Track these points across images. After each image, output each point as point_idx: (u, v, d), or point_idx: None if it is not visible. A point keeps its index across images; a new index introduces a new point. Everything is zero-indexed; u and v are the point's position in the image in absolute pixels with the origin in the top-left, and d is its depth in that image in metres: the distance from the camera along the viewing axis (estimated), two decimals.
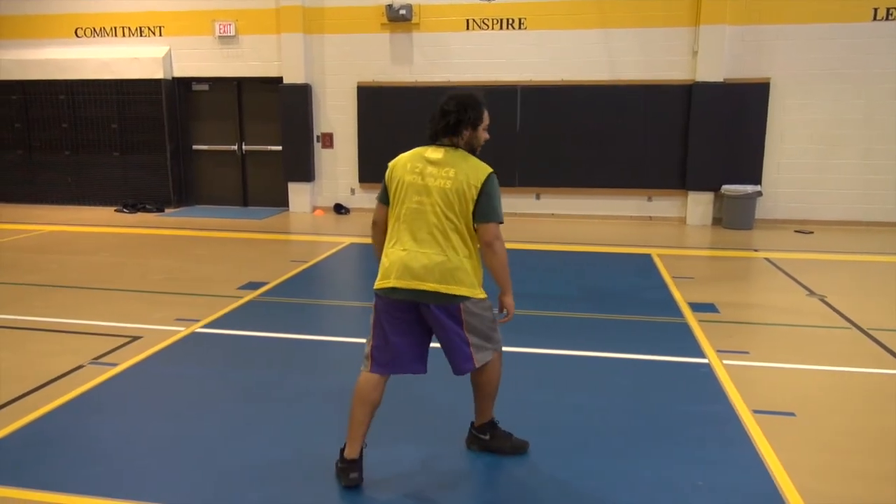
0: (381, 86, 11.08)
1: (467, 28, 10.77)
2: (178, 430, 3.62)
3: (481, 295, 3.05)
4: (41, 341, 4.98)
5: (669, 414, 3.83)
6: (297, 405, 3.95)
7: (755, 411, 3.80)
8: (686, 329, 5.33)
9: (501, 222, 3.01)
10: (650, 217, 10.78)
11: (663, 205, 10.75)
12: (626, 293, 6.52)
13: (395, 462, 3.30)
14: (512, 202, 11.03)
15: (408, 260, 2.95)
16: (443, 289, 2.93)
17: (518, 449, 3.36)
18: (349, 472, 3.05)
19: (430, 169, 2.99)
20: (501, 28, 10.70)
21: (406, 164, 3.05)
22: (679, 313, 5.75)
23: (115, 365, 4.45)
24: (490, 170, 3.01)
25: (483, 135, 3.11)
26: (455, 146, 3.05)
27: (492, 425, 3.35)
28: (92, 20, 11.83)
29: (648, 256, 8.10)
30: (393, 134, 11.00)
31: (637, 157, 10.60)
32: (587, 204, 10.90)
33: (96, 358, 4.58)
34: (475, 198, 2.95)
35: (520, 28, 10.64)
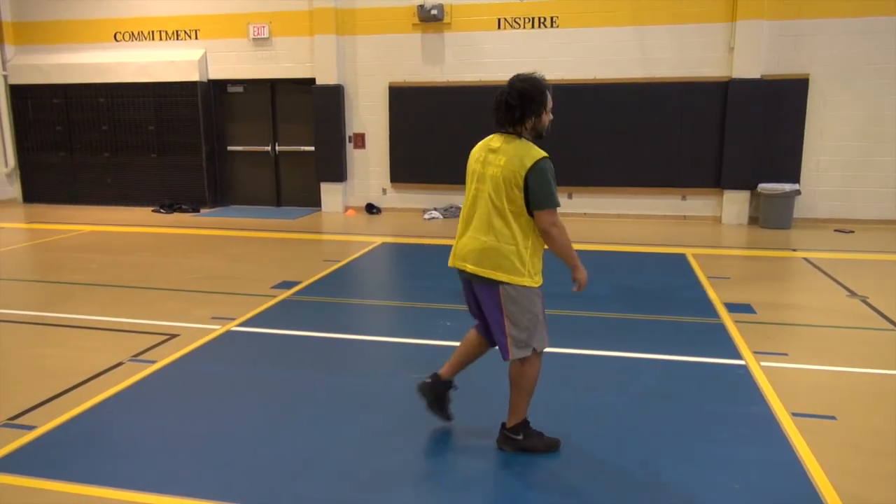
0: (413, 86, 11.12)
1: (499, 27, 10.75)
2: (213, 427, 3.69)
3: (525, 283, 3.07)
4: (84, 338, 5.12)
5: (705, 415, 3.77)
6: (330, 404, 3.98)
7: (794, 414, 3.73)
8: (722, 330, 5.25)
9: (557, 206, 3.05)
10: (684, 216, 10.63)
11: (698, 204, 10.59)
12: (660, 293, 6.44)
13: (428, 452, 3.31)
14: None
15: (464, 242, 3.20)
16: (479, 272, 3.09)
17: (551, 447, 3.35)
18: (430, 378, 3.47)
19: (489, 157, 3.14)
20: (533, 27, 10.65)
21: (475, 153, 3.26)
22: (715, 314, 5.66)
23: (153, 362, 4.55)
24: (540, 156, 3.04)
25: (547, 118, 3.17)
26: (518, 134, 3.12)
27: (524, 425, 3.34)
28: (130, 24, 12.09)
29: (683, 256, 7.99)
30: (425, 134, 11.04)
31: (671, 156, 10.46)
32: (620, 203, 10.80)
33: (136, 355, 4.69)
34: (521, 185, 3.00)
35: (552, 26, 10.58)
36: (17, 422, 3.68)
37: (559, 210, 3.10)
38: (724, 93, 10.06)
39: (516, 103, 3.06)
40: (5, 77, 12.48)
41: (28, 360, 4.65)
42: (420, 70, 11.11)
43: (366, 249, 8.48)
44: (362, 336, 5.33)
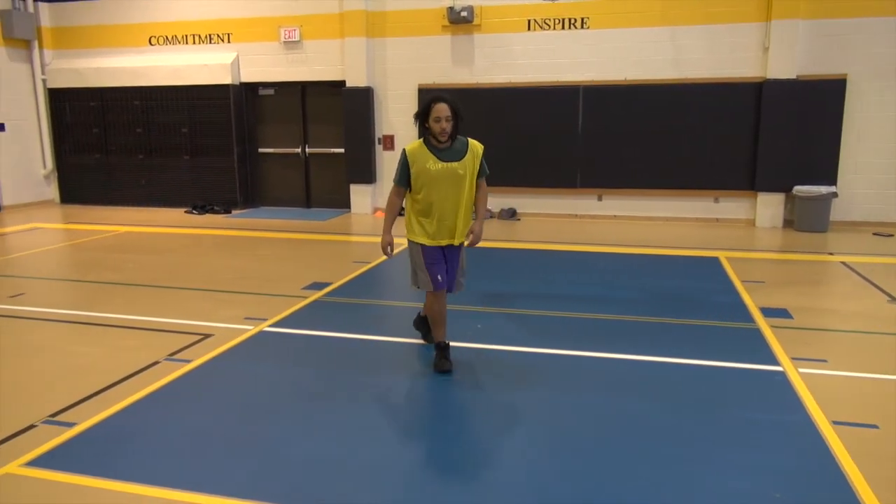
0: (442, 87, 11.11)
1: (528, 28, 10.71)
2: (247, 426, 3.72)
3: (408, 238, 4.47)
4: (121, 337, 5.21)
5: (742, 423, 3.70)
6: (362, 404, 3.99)
7: (835, 422, 3.64)
8: (758, 335, 5.16)
9: (395, 182, 4.36)
10: (717, 219, 10.48)
11: (731, 206, 10.43)
12: (692, 297, 6.35)
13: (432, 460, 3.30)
14: (573, 203, 10.92)
15: None
16: None
17: (436, 367, 4.46)
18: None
19: None
20: (563, 28, 10.59)
21: None
22: (750, 318, 5.57)
23: (188, 361, 4.61)
24: (406, 148, 4.29)
25: (434, 125, 4.12)
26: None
27: (436, 345, 4.56)
28: (165, 29, 12.31)
29: (716, 259, 7.87)
30: None
31: (704, 158, 10.32)
32: (651, 205, 10.68)
33: (171, 354, 4.76)
34: None
35: (582, 28, 10.51)
36: (57, 418, 3.76)
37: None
38: (759, 93, 9.90)
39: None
40: (44, 81, 12.79)
41: (68, 358, 4.74)
42: (449, 72, 11.12)
43: (395, 251, 8.47)
44: (393, 338, 5.34)
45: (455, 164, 4.21)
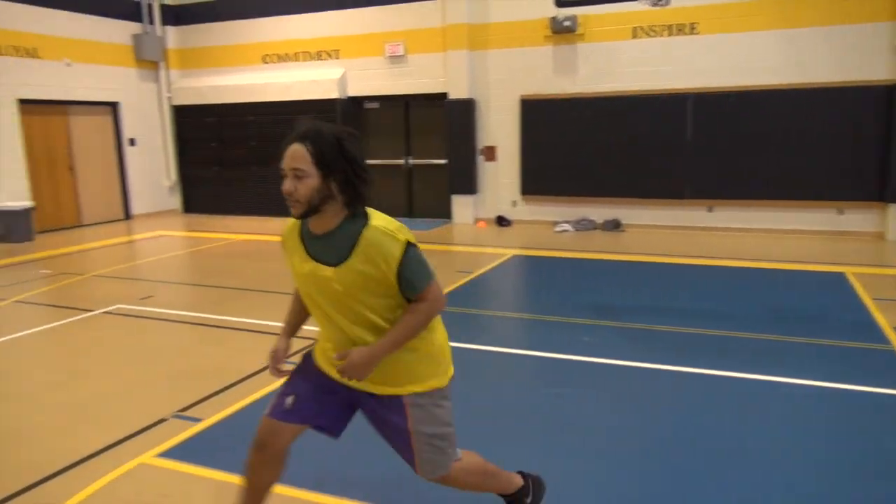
0: (545, 98, 11.06)
1: (634, 36, 10.47)
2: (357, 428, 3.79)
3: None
4: (241, 339, 5.48)
5: (882, 452, 3.41)
6: (472, 415, 3.99)
7: None
8: (893, 357, 4.76)
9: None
10: (841, 232, 9.80)
11: (857, 218, 9.73)
12: (817, 314, 5.95)
13: None
14: (680, 214, 10.54)
15: None
16: None
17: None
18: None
19: None
20: (671, 34, 10.28)
21: None
22: (884, 339, 5.15)
23: None
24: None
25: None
26: None
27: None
28: (277, 47, 12.94)
29: (841, 275, 7.34)
30: (556, 146, 10.94)
31: (826, 167, 9.68)
32: (768, 217, 10.13)
33: (287, 357, 4.92)
34: None
35: (691, 33, 10.16)
36: (186, 413, 3.99)
37: None
38: (890, 97, 9.21)
39: None
40: (169, 98, 13.75)
41: (193, 358, 5.04)
42: (552, 82, 11.04)
43: (498, 262, 8.49)
44: (499, 348, 5.31)
45: (322, 266, 2.25)
